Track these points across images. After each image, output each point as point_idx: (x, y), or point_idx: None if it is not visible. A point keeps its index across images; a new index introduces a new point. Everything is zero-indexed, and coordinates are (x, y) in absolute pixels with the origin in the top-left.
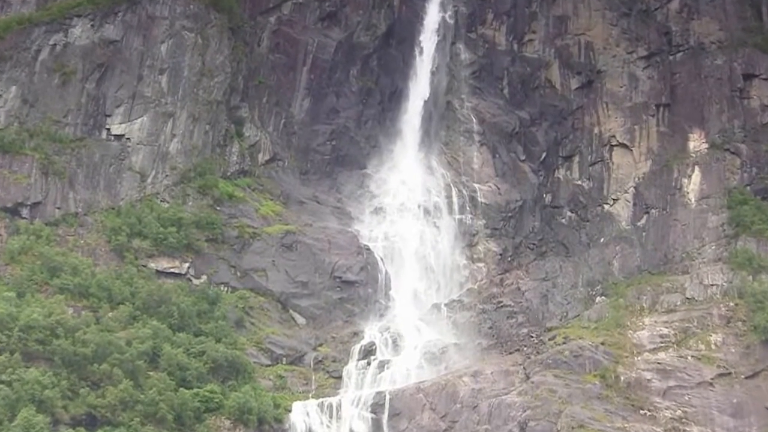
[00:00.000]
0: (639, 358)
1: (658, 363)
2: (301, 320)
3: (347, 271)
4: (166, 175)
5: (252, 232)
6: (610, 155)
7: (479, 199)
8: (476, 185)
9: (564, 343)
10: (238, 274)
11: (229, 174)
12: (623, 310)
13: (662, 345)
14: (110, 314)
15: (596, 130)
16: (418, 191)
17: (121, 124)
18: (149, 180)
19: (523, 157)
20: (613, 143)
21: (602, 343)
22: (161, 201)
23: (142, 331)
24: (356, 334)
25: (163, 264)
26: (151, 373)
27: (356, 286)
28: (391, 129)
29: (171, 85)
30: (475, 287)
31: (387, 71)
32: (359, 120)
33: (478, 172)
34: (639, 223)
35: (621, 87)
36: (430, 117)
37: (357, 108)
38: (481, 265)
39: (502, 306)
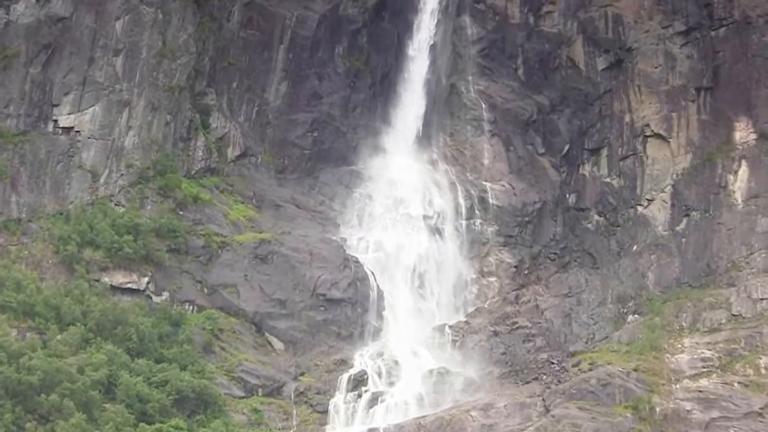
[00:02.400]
0: (677, 385)
1: (700, 391)
2: (278, 345)
3: (332, 287)
4: (122, 174)
5: (220, 241)
6: (644, 148)
7: (490, 200)
8: (486, 184)
9: (590, 369)
10: (205, 290)
11: (193, 172)
12: (659, 331)
13: (704, 370)
14: (59, 337)
15: (627, 119)
16: (417, 192)
17: (69, 114)
18: (102, 180)
19: (541, 151)
20: (647, 133)
21: (635, 369)
22: (116, 204)
23: (96, 356)
24: (344, 362)
25: (119, 278)
26: (106, 406)
27: (343, 306)
28: (384, 117)
29: (127, 69)
30: (486, 306)
31: (379, 49)
32: (346, 107)
33: (488, 169)
34: (678, 228)
35: (655, 68)
36: (430, 103)
37: (343, 93)
38: (492, 279)
39: (517, 327)
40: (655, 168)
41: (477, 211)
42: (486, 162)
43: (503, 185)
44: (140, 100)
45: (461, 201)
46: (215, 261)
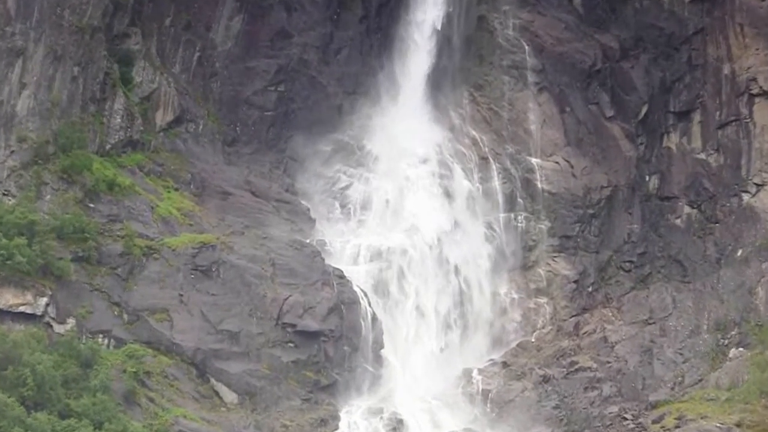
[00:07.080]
0: None
1: None
2: (230, 396)
3: (306, 314)
4: (11, 152)
5: (146, 245)
6: (750, 111)
7: (539, 184)
8: (533, 160)
9: (677, 426)
10: (126, 316)
11: (109, 147)
12: None
13: None
14: None
15: (726, 70)
16: (430, 171)
17: None
18: None
19: (610, 113)
20: (754, 91)
21: (738, 425)
22: (3, 194)
23: None
24: (325, 422)
25: (7, 299)
26: None
27: (323, 341)
28: (381, 64)
29: (21, 5)
30: (532, 339)
31: None
32: (326, 50)
33: (535, 139)
34: None
35: (764, 0)
36: (448, 44)
37: (322, 30)
38: (542, 300)
39: (576, 370)
40: (765, 140)
41: (520, 200)
42: (532, 128)
43: (557, 162)
44: (38, 47)
45: (496, 185)
46: (138, 275)
